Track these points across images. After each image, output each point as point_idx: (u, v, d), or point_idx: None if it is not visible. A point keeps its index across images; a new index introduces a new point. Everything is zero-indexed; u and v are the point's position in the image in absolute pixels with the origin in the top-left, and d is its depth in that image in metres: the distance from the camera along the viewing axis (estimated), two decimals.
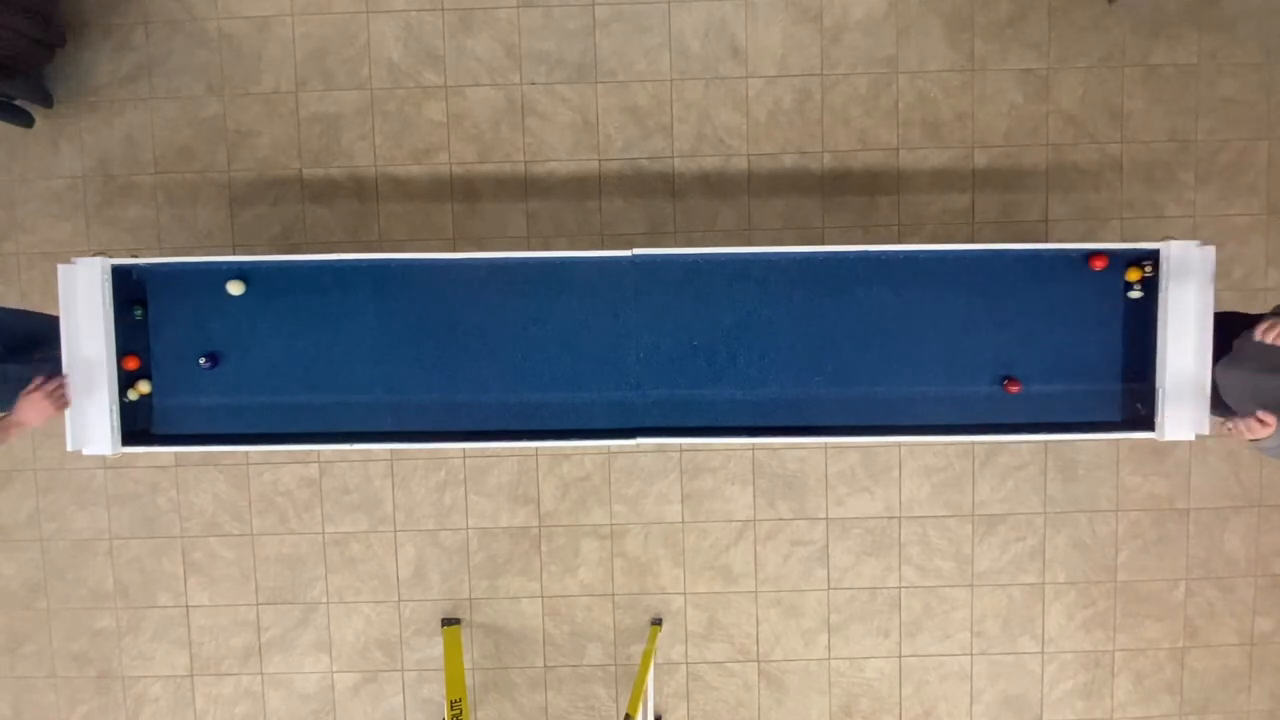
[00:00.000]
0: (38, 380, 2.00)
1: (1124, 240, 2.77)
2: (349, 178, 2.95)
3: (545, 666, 3.03)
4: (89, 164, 2.97)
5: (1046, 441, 2.96)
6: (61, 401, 2.07)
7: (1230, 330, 2.13)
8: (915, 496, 2.98)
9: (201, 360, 2.22)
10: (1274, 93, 2.92)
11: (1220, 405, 2.16)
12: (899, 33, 2.90)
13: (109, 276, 2.17)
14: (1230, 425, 1.98)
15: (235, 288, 2.19)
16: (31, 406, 2.00)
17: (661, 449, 2.97)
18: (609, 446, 2.96)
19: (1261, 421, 1.92)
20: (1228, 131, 2.93)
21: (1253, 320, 2.14)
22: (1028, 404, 2.23)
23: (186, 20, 2.93)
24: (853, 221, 2.94)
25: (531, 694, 3.04)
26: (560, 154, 2.94)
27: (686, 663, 3.03)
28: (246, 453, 2.98)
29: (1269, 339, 1.84)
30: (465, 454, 2.98)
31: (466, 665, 2.99)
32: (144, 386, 2.24)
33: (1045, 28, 2.91)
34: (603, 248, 2.91)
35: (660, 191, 2.94)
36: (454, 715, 2.48)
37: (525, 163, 2.94)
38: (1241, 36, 2.91)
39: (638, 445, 2.49)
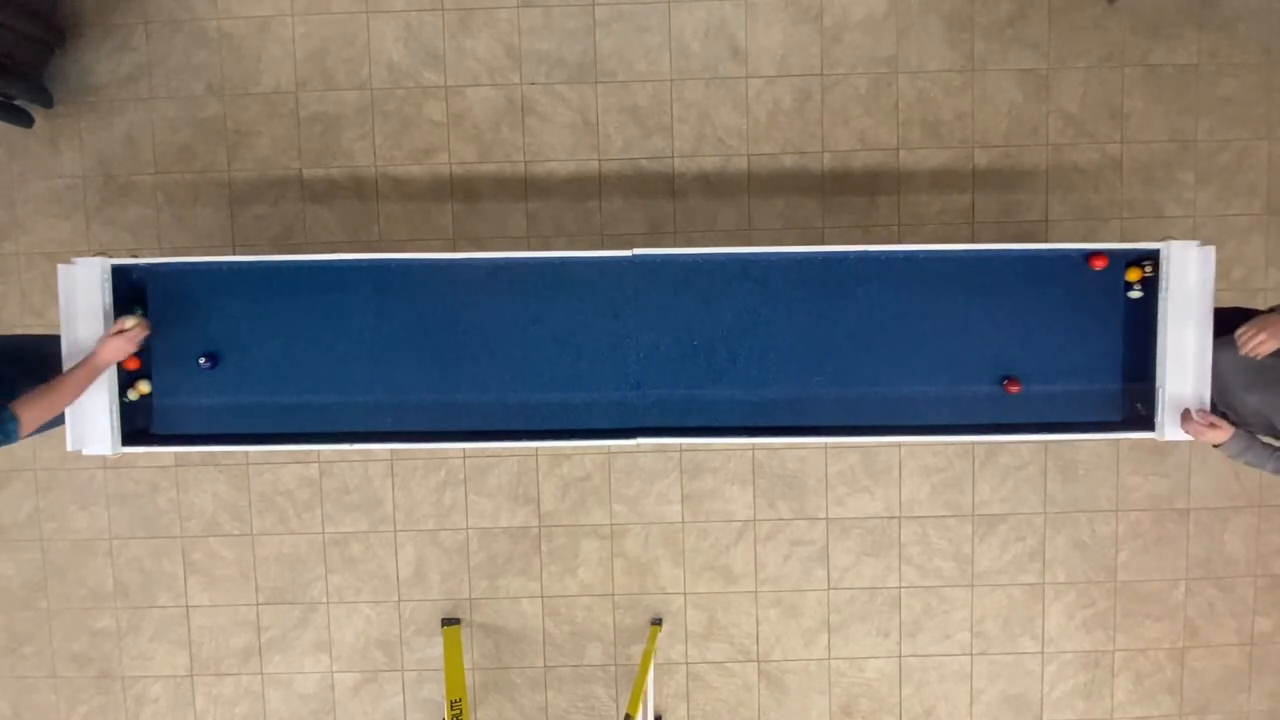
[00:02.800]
0: (116, 325, 2.07)
1: (1124, 240, 2.77)
2: (349, 178, 2.95)
3: (545, 666, 3.03)
4: (89, 164, 2.97)
5: (1046, 441, 2.96)
6: (137, 344, 2.10)
7: (1230, 327, 2.13)
8: (915, 496, 2.98)
9: (201, 360, 2.22)
10: (1274, 93, 2.92)
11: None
12: (899, 33, 2.90)
13: (109, 276, 2.17)
14: (1186, 428, 2.09)
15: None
16: (109, 348, 2.05)
17: (661, 449, 2.97)
18: (609, 446, 2.96)
19: (1212, 424, 2.02)
20: (1228, 131, 2.93)
21: (1251, 315, 2.13)
22: (1028, 404, 2.23)
23: (186, 20, 2.93)
24: (853, 221, 2.94)
25: (531, 694, 3.04)
26: (560, 154, 2.94)
27: (686, 663, 3.03)
28: (246, 453, 2.98)
29: (1246, 350, 1.90)
30: (465, 454, 2.98)
31: (466, 665, 2.99)
32: (144, 386, 2.24)
33: (1045, 28, 2.90)
34: (603, 248, 2.91)
35: (660, 191, 2.94)
36: (454, 715, 2.48)
37: (525, 163, 2.94)
38: (1241, 36, 2.91)
39: (638, 445, 2.49)
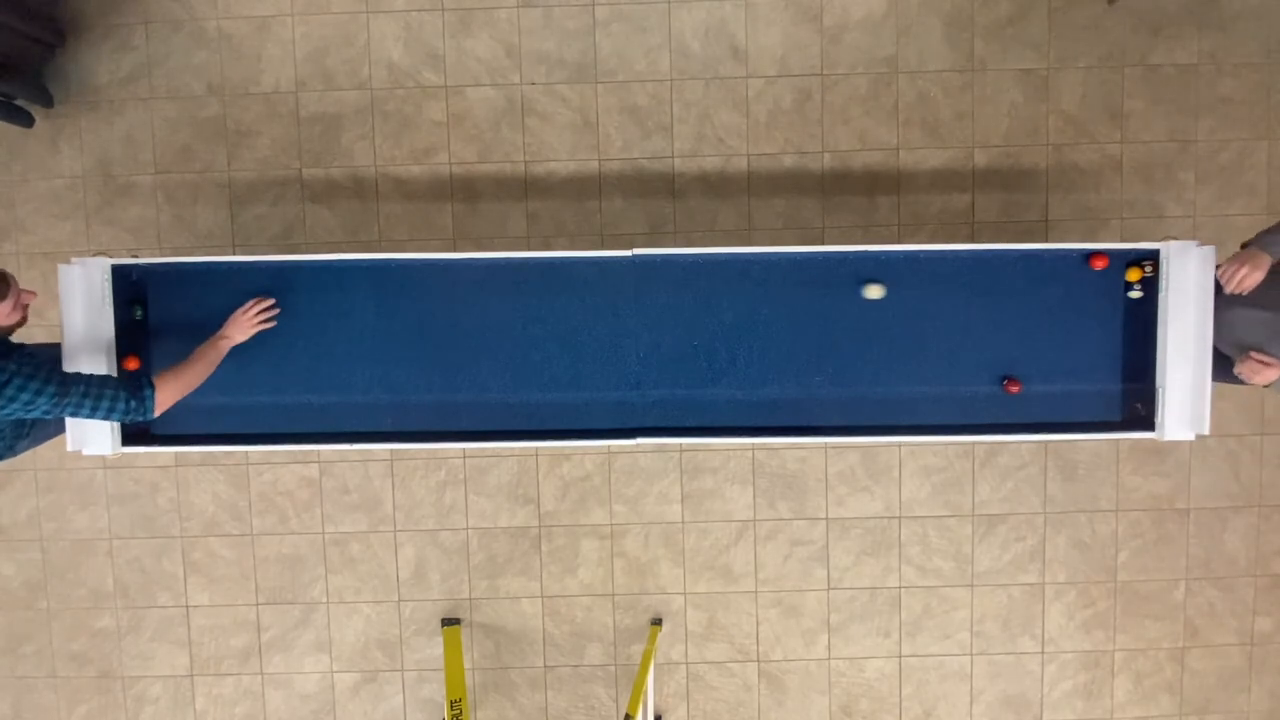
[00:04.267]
0: (250, 304, 2.11)
1: (1124, 240, 2.77)
2: (349, 178, 2.95)
3: (545, 666, 3.03)
4: (89, 164, 2.97)
5: (1046, 441, 2.96)
6: (268, 324, 2.14)
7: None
8: (915, 496, 2.98)
9: None
10: (1274, 93, 2.92)
11: (1219, 359, 2.17)
12: (899, 33, 2.90)
13: (109, 276, 2.17)
14: (1240, 372, 2.04)
15: (874, 292, 2.16)
16: (239, 327, 2.08)
17: (661, 449, 2.97)
18: (609, 446, 2.96)
19: (1263, 362, 2.00)
20: (1228, 131, 2.93)
21: None
22: (1028, 404, 2.23)
23: (186, 20, 2.93)
24: (853, 221, 2.94)
25: (531, 694, 3.04)
26: (560, 154, 2.94)
27: (686, 663, 3.03)
28: (246, 453, 2.98)
29: (1231, 287, 1.92)
30: (465, 454, 2.98)
31: (466, 665, 2.99)
32: None
33: (1045, 28, 2.91)
34: (603, 248, 2.91)
35: (660, 191, 2.95)
36: (454, 715, 2.48)
37: (525, 163, 2.94)
38: (1241, 36, 2.91)
39: (638, 445, 2.50)
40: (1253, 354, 2.03)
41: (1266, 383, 2.03)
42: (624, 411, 2.24)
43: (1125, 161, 2.94)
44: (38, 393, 1.76)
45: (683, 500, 2.99)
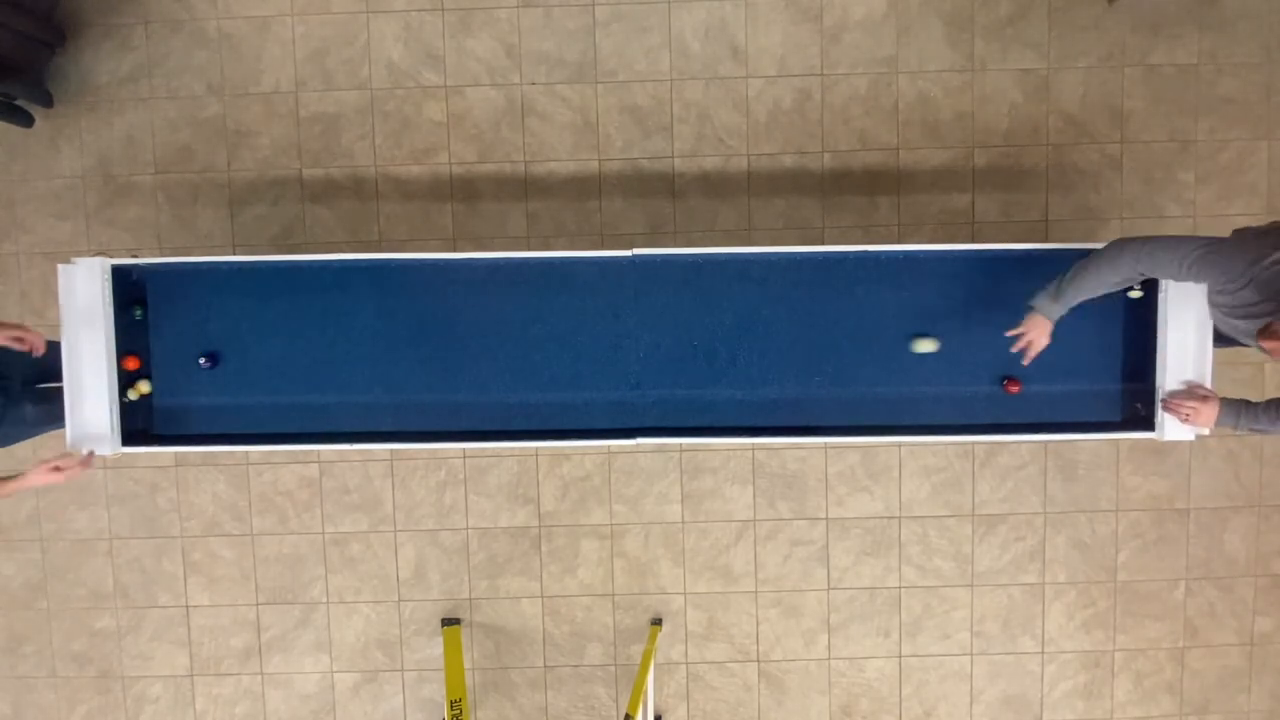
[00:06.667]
0: (66, 458, 2.03)
1: None
2: (349, 178, 2.95)
3: (545, 666, 3.03)
4: (89, 164, 2.97)
5: (1046, 441, 2.96)
6: (73, 477, 2.07)
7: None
8: (915, 496, 2.98)
9: (201, 360, 2.22)
10: (1274, 93, 2.92)
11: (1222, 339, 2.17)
12: (899, 33, 2.90)
13: (109, 276, 2.17)
14: (1181, 414, 2.09)
15: (924, 346, 2.19)
16: (42, 476, 2.01)
17: (661, 449, 2.97)
18: (609, 446, 2.96)
19: (1196, 402, 2.03)
20: (1228, 131, 2.93)
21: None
22: (1028, 404, 2.23)
23: (186, 20, 2.93)
24: (853, 221, 2.94)
25: (531, 694, 3.04)
26: (560, 154, 2.94)
27: (686, 663, 3.03)
28: (246, 453, 2.98)
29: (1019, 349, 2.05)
30: (465, 454, 2.98)
31: (466, 665, 2.99)
32: (144, 386, 2.24)
33: (1045, 28, 2.90)
34: (603, 248, 2.91)
35: (660, 191, 2.94)
36: (454, 715, 2.48)
37: (525, 163, 2.94)
38: (1241, 36, 2.91)
39: (638, 445, 2.49)
40: (1180, 398, 2.07)
41: (1207, 421, 2.03)
42: (624, 411, 2.24)
43: (1125, 161, 2.94)
44: None
45: (683, 500, 2.99)
